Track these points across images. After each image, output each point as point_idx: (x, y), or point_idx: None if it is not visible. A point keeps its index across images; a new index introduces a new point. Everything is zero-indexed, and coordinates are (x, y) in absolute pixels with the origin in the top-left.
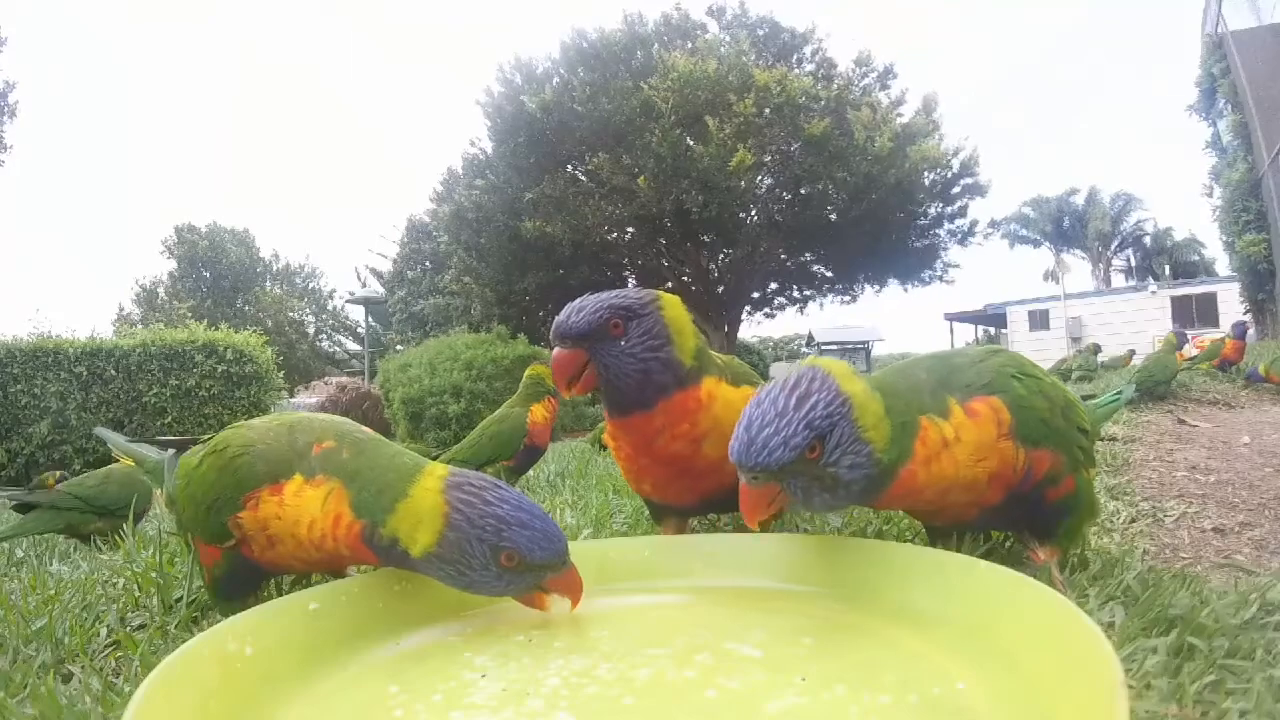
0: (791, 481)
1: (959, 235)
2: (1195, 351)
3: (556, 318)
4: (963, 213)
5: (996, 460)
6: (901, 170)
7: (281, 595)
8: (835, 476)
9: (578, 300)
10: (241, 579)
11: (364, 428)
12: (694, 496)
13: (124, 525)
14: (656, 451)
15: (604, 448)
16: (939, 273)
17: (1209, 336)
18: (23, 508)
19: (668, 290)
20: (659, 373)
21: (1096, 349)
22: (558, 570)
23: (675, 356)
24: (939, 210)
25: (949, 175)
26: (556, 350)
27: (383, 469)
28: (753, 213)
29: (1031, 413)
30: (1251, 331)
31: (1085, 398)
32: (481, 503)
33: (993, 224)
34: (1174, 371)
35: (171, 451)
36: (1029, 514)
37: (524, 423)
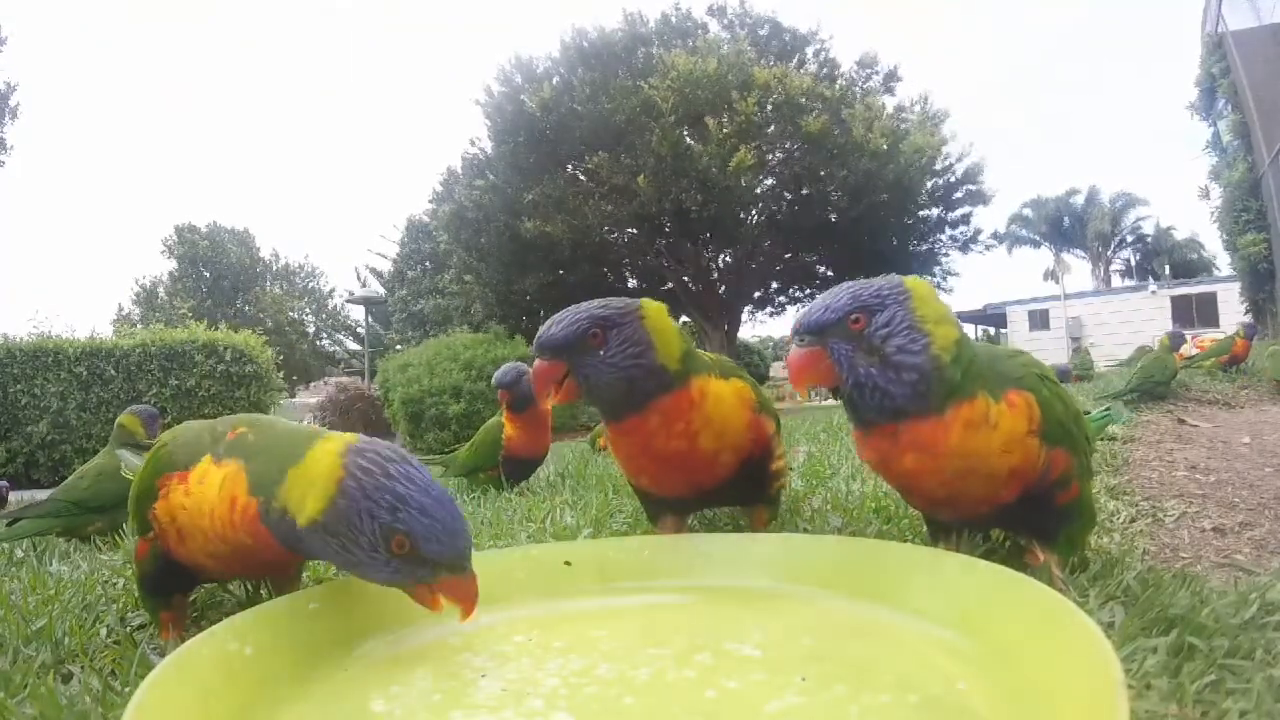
0: (837, 347)
1: (960, 242)
2: (1195, 351)
3: (539, 329)
4: (965, 220)
5: (1021, 455)
6: (899, 165)
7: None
8: (884, 355)
9: (560, 311)
10: (165, 575)
11: (283, 419)
12: (691, 489)
13: (124, 523)
14: (654, 450)
15: (602, 449)
16: (938, 279)
17: (1209, 336)
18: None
19: (667, 291)
20: (642, 379)
21: (1086, 352)
22: (455, 572)
23: (658, 362)
24: (940, 215)
25: (951, 180)
26: (537, 362)
27: (282, 439)
28: (753, 213)
29: (1054, 413)
30: None
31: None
32: (382, 474)
33: (995, 236)
34: (1173, 371)
35: None
36: (1035, 516)
37: (501, 433)
